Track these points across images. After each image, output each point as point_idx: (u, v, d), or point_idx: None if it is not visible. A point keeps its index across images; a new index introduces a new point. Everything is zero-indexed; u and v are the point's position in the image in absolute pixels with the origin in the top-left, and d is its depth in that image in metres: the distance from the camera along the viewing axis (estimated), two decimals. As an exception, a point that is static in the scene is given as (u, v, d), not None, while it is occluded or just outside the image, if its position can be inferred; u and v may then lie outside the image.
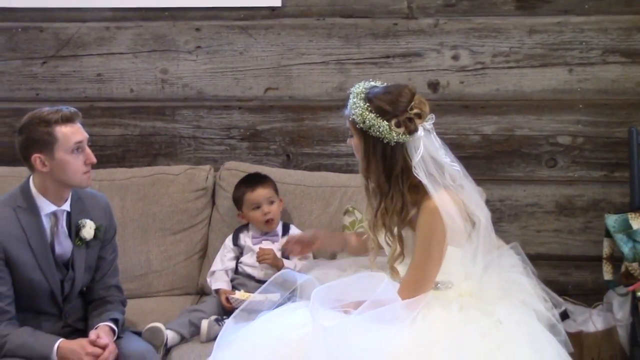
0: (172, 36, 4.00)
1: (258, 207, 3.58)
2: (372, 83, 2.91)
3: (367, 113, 2.82)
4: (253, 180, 3.66)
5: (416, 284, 2.86)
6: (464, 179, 2.95)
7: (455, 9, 3.87)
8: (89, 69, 4.06)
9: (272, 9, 3.93)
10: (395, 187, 2.87)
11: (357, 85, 2.90)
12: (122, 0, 3.99)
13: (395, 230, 2.91)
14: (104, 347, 2.95)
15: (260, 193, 3.59)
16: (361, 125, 2.83)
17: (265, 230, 3.62)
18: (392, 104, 2.85)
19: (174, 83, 4.05)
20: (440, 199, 2.83)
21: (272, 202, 3.60)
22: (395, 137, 2.81)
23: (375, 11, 3.89)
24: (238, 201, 3.65)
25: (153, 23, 4.00)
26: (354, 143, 2.92)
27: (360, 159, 2.94)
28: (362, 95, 2.86)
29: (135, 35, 4.02)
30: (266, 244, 3.60)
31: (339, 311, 2.82)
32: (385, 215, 2.92)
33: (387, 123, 2.81)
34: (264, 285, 3.17)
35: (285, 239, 3.51)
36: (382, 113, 2.83)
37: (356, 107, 2.84)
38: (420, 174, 2.84)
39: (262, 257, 3.49)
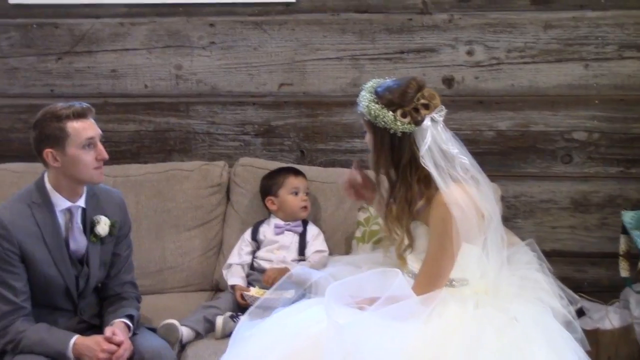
0: (187, 32, 4.00)
1: (297, 193, 3.65)
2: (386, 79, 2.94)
3: (373, 104, 2.85)
4: (295, 170, 3.74)
5: (430, 279, 2.86)
6: (476, 172, 2.96)
7: (470, 4, 3.85)
8: (103, 64, 4.07)
9: (287, 4, 3.92)
10: (404, 178, 2.90)
11: (370, 82, 2.94)
12: (136, -5, 4.00)
13: (405, 221, 2.92)
14: (119, 344, 2.96)
15: (302, 181, 3.70)
16: (368, 117, 2.87)
17: (298, 216, 3.66)
18: (398, 95, 2.87)
19: (188, 79, 4.05)
20: (450, 191, 2.84)
21: (307, 194, 3.69)
22: (400, 127, 2.83)
23: (390, 6, 3.88)
24: (274, 186, 3.68)
25: (167, 19, 4.00)
26: (367, 139, 2.95)
27: (371, 153, 2.95)
28: (371, 89, 2.90)
29: (150, 31, 4.02)
30: (288, 235, 3.65)
31: (353, 307, 2.82)
32: (393, 206, 2.94)
33: (392, 113, 2.84)
34: (278, 282, 3.18)
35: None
36: (388, 104, 2.85)
37: (363, 100, 2.89)
38: (428, 164, 2.85)
39: (270, 281, 3.45)
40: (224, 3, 3.95)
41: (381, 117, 2.83)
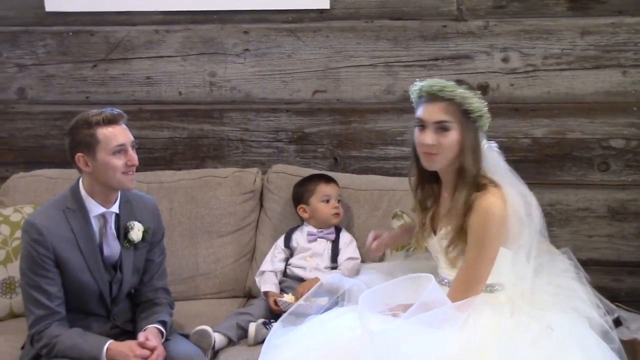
0: (221, 39, 4.01)
1: (328, 200, 3.65)
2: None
3: (461, 90, 2.81)
4: (327, 177, 3.73)
5: (468, 285, 2.84)
6: (514, 177, 2.95)
7: (505, 11, 3.83)
8: (138, 72, 4.09)
9: (320, 11, 3.92)
10: (474, 181, 2.86)
11: (429, 81, 2.85)
12: (171, 3, 4.01)
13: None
14: (152, 349, 2.97)
15: (334, 188, 3.69)
16: (465, 104, 2.79)
17: (331, 223, 3.66)
18: (470, 87, 2.88)
19: (222, 86, 4.06)
20: (509, 192, 2.83)
21: (338, 201, 3.69)
22: (487, 118, 2.85)
23: (424, 13, 3.87)
24: (305, 193, 3.68)
25: (202, 26, 4.01)
26: (448, 139, 2.83)
27: (449, 156, 2.85)
28: (450, 83, 2.84)
29: (184, 38, 4.03)
30: (321, 242, 3.64)
31: (387, 315, 2.81)
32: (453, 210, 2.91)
33: (480, 101, 2.82)
34: (312, 289, 3.18)
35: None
36: (474, 92, 2.85)
37: (454, 90, 2.80)
38: (497, 163, 2.88)
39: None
40: (257, 10, 3.96)
41: (475, 104, 2.80)
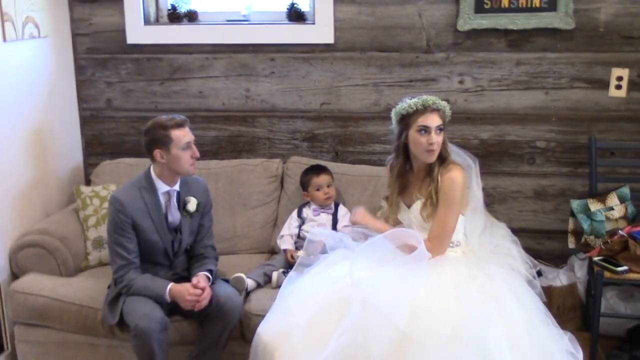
0: (254, 64, 3.99)
1: (320, 188, 3.59)
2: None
3: (445, 103, 2.91)
4: (318, 169, 3.68)
5: (441, 234, 2.84)
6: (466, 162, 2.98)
7: (462, 46, 3.80)
8: (193, 87, 4.07)
9: (327, 45, 3.90)
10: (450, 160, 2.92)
11: (425, 97, 2.88)
12: (218, 38, 3.98)
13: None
14: (202, 289, 2.98)
15: (323, 178, 3.63)
16: (446, 111, 2.89)
17: (324, 204, 3.62)
18: None
19: (255, 99, 4.04)
20: (457, 170, 2.87)
21: (329, 186, 3.63)
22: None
23: (403, 47, 3.85)
24: (305, 183, 3.65)
25: (240, 55, 3.99)
26: (442, 138, 2.87)
27: (440, 147, 2.87)
28: (435, 98, 2.89)
29: (227, 63, 4.02)
30: (323, 215, 3.62)
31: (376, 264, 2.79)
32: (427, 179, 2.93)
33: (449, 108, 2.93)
34: (316, 247, 3.16)
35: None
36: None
37: (441, 102, 2.89)
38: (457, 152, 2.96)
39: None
40: (281, 44, 3.94)
41: (447, 110, 2.90)
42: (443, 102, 2.89)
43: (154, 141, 2.99)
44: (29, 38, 3.64)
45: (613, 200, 3.56)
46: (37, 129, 3.76)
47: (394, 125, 2.95)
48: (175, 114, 3.06)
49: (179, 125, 3.01)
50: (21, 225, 3.55)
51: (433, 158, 2.87)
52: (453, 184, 2.81)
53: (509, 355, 2.52)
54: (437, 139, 2.84)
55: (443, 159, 2.88)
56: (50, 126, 3.89)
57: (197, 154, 3.07)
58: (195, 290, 2.97)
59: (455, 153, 2.95)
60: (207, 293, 2.99)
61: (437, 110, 2.85)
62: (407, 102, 2.88)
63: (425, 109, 2.84)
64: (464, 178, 2.85)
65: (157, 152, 2.99)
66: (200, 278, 3.05)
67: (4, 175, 3.46)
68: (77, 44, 4.10)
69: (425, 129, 2.83)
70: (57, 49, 3.95)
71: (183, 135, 3.01)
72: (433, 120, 2.84)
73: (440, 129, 2.85)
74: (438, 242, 2.82)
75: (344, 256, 2.92)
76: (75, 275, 3.48)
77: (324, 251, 3.05)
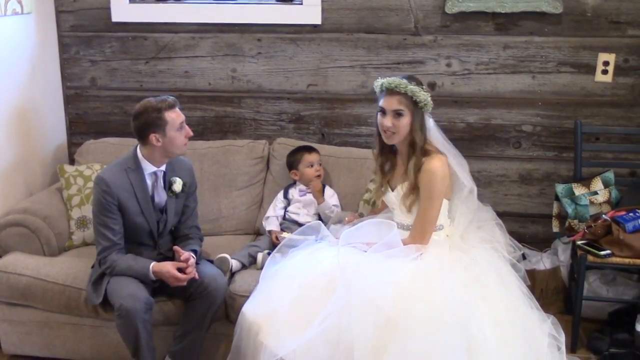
0: (240, 45, 3.97)
1: (312, 165, 3.61)
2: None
3: (413, 86, 2.81)
4: (310, 147, 3.70)
5: (423, 227, 2.86)
6: (452, 148, 2.98)
7: (449, 29, 3.80)
8: (179, 67, 4.05)
9: (314, 25, 3.88)
10: (422, 149, 2.87)
11: (388, 79, 2.84)
12: (204, 17, 3.96)
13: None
14: (185, 261, 2.99)
15: (315, 156, 3.65)
16: (414, 96, 2.80)
17: (314, 182, 3.61)
18: (418, 80, 2.86)
19: (241, 79, 4.03)
20: (439, 158, 2.86)
21: (320, 164, 3.64)
22: (429, 105, 2.84)
23: (390, 29, 3.84)
24: (295, 161, 3.65)
25: (226, 35, 3.97)
26: (402, 122, 2.84)
27: (403, 134, 2.85)
28: (404, 80, 2.83)
29: (213, 43, 3.99)
30: (309, 196, 3.61)
31: (360, 248, 2.81)
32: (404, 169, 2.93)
33: (425, 93, 2.82)
34: (302, 228, 3.18)
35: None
36: (420, 87, 2.83)
37: (403, 85, 2.81)
38: (438, 137, 2.90)
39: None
40: (268, 24, 3.91)
41: (422, 96, 2.80)
42: (411, 86, 2.82)
43: (148, 125, 2.96)
44: (11, 14, 3.60)
45: (597, 184, 3.60)
46: (20, 107, 3.73)
47: None
48: (164, 95, 3.04)
49: (171, 106, 2.99)
50: (4, 205, 3.54)
51: (392, 141, 2.90)
52: (432, 176, 2.82)
53: (492, 338, 2.55)
54: (393, 122, 2.84)
55: (414, 147, 2.86)
56: (34, 105, 3.86)
57: (191, 133, 3.08)
58: (177, 264, 2.99)
59: (446, 149, 2.94)
60: (192, 263, 3.00)
61: (398, 93, 2.83)
62: (377, 82, 2.90)
63: (384, 91, 2.86)
64: (443, 166, 2.84)
65: (152, 136, 2.97)
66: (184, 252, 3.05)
67: (-14, 154, 3.44)
68: (61, 21, 4.06)
69: (383, 112, 2.87)
70: (41, 26, 3.91)
71: (177, 117, 3.00)
72: (390, 104, 2.84)
73: (398, 113, 2.84)
74: (420, 235, 2.85)
75: (328, 242, 2.96)
76: (59, 255, 3.47)
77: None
